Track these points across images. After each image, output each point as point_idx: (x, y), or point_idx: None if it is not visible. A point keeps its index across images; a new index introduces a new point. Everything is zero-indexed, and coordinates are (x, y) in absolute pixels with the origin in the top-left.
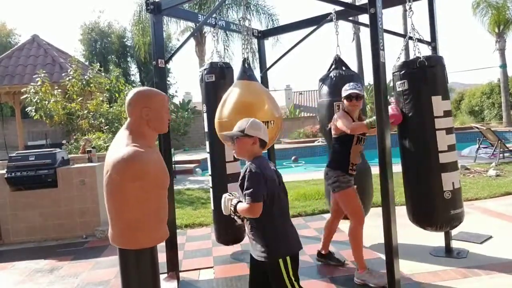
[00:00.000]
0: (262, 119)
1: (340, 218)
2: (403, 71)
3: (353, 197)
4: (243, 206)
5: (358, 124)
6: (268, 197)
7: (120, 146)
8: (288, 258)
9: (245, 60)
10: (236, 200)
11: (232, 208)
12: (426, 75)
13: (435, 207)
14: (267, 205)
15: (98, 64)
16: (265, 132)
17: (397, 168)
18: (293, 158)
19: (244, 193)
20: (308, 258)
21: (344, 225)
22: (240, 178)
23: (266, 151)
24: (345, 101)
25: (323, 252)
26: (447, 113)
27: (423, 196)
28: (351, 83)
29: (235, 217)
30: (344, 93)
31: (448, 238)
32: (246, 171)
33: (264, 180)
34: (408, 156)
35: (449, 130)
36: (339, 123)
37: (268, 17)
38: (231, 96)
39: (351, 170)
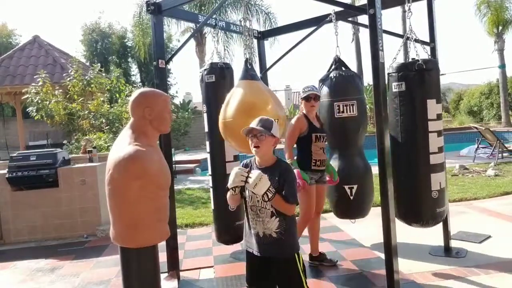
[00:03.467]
0: None
1: (317, 213)
2: (401, 73)
3: (308, 196)
4: (283, 202)
5: (290, 151)
6: None
7: (123, 145)
8: (300, 253)
9: (247, 60)
10: (273, 189)
11: (270, 195)
12: (423, 78)
13: (422, 205)
14: None
15: (99, 64)
16: None
17: None
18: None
19: (287, 189)
20: (307, 258)
21: (344, 225)
22: (279, 174)
23: None
24: (304, 102)
25: (314, 254)
26: (439, 116)
27: (412, 194)
28: (309, 86)
29: (258, 198)
30: (303, 94)
31: (447, 237)
32: (286, 169)
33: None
34: (400, 156)
35: (439, 133)
36: (287, 133)
37: (266, 16)
38: (234, 96)
39: (315, 166)
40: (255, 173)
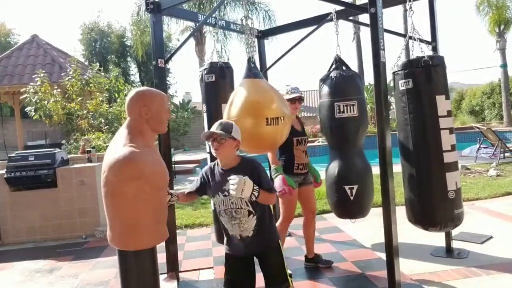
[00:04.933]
0: (272, 115)
1: (309, 215)
2: (407, 70)
3: (290, 201)
4: (267, 194)
5: (274, 156)
6: None
7: (118, 146)
8: (279, 241)
9: (250, 59)
10: (257, 187)
11: (256, 194)
12: (430, 75)
13: (439, 207)
14: None
15: (98, 64)
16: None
17: (396, 168)
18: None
19: (264, 182)
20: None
21: (344, 226)
22: (250, 172)
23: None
24: (288, 104)
25: (309, 256)
26: (449, 113)
27: (427, 196)
28: (293, 87)
29: (245, 200)
30: (288, 96)
31: (448, 238)
32: (254, 165)
33: None
34: (412, 156)
35: (451, 130)
36: None
37: (265, 14)
38: (238, 95)
39: (298, 170)
40: (236, 179)
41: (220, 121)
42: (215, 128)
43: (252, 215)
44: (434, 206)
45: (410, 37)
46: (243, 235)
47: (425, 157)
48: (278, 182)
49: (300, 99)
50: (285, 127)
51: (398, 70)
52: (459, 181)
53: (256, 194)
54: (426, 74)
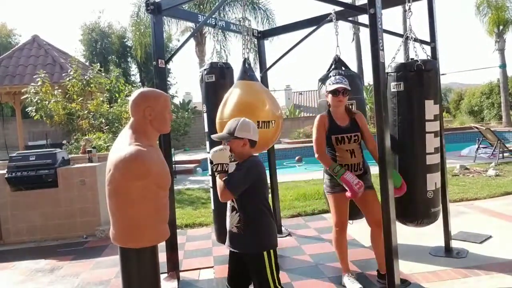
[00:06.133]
0: (263, 119)
1: (373, 228)
2: (400, 73)
3: (332, 205)
4: (222, 181)
5: (323, 159)
6: (260, 193)
7: (123, 145)
8: (271, 252)
9: (245, 60)
10: (227, 168)
11: (220, 169)
12: (422, 79)
13: (418, 205)
14: (258, 200)
15: (99, 64)
16: (254, 131)
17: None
18: (297, 158)
19: (232, 175)
20: (308, 258)
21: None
22: (239, 165)
23: (266, 151)
24: (330, 97)
25: (382, 272)
26: (436, 117)
27: (407, 194)
28: (337, 77)
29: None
30: (329, 87)
31: (447, 238)
32: (247, 164)
33: (255, 178)
34: (397, 156)
35: (436, 134)
36: (313, 135)
37: (264, 13)
38: (232, 96)
39: None
40: (222, 147)
41: (231, 121)
42: (225, 130)
43: (235, 211)
44: (413, 203)
45: (407, 38)
46: (229, 228)
47: (409, 158)
48: (351, 179)
49: (344, 91)
50: (275, 130)
51: (391, 72)
52: (439, 181)
53: (220, 169)
54: (418, 78)
